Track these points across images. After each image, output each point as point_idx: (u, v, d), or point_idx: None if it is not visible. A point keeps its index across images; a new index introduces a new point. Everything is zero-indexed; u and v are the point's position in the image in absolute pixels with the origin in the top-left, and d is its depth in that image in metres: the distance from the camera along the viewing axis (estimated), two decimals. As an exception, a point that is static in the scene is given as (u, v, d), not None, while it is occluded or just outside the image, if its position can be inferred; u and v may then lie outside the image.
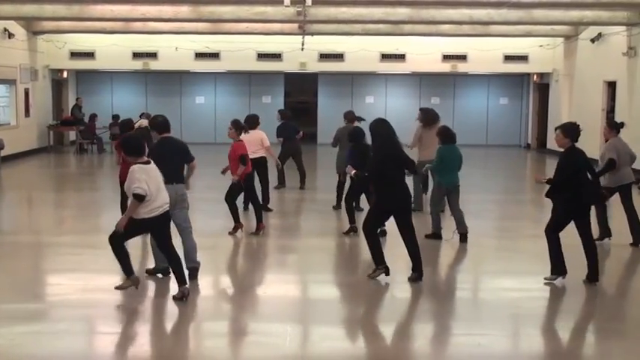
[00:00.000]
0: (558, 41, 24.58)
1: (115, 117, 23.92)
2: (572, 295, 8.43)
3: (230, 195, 11.24)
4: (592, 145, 15.72)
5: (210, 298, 8.37)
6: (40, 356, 6.60)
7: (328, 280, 9.19)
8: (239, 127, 11.28)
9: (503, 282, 9.18)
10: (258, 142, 13.07)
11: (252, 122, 13.11)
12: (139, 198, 7.48)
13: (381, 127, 8.68)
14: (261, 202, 12.30)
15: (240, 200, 11.72)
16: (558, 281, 8.65)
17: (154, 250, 8.59)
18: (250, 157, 11.44)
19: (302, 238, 11.74)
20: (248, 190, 11.51)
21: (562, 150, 8.69)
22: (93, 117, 25.57)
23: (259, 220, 11.40)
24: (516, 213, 14.24)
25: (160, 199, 7.73)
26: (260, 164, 13.15)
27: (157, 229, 7.87)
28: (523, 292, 8.67)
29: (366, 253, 9.19)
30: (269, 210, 13.22)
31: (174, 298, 7.85)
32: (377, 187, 8.73)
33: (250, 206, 12.26)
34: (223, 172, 11.54)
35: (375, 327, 7.52)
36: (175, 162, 8.68)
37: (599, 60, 21.66)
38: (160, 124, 8.82)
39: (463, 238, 10.77)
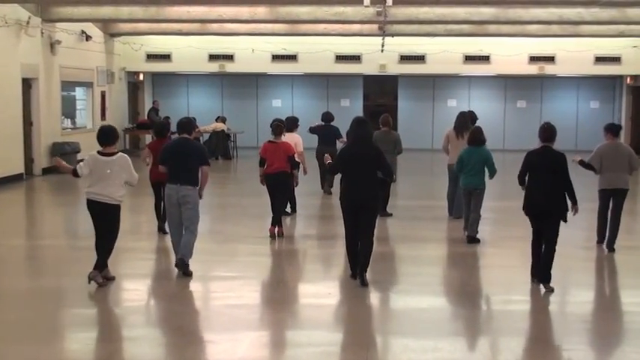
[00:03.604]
0: (654, 41, 23.46)
1: (192, 119, 23.55)
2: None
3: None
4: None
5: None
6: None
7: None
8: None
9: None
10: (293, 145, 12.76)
11: (291, 124, 13.39)
12: (74, 173, 8.59)
13: (356, 127, 8.78)
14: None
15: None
16: None
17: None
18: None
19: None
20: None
21: None
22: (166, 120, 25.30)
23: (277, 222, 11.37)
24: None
25: (96, 187, 8.44)
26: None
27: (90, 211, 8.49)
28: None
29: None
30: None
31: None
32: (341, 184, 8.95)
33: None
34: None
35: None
36: (180, 164, 8.92)
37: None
38: (178, 124, 9.43)
39: (470, 239, 10.90)
